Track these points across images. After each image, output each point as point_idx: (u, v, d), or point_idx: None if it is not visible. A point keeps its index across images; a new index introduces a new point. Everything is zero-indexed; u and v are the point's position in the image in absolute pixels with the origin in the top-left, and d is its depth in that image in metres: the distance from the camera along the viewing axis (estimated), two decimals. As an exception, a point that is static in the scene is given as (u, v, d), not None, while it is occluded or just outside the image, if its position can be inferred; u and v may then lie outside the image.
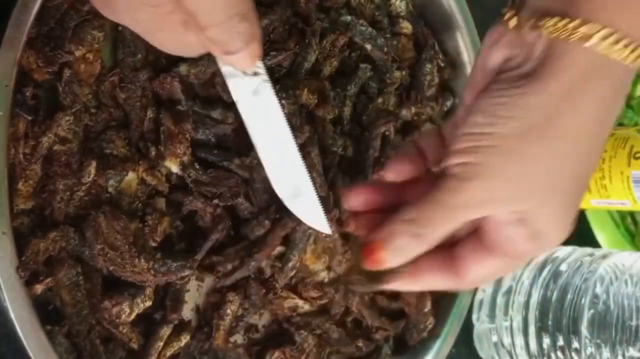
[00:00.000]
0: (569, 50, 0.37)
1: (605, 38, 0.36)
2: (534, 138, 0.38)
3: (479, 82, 0.40)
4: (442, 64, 0.67)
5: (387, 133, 0.62)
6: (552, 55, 0.38)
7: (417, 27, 0.66)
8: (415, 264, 0.41)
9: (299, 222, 0.55)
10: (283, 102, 0.55)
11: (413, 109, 0.64)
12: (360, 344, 0.61)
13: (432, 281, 0.43)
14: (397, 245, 0.40)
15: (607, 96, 0.38)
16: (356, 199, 0.45)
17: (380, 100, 0.62)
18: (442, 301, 0.66)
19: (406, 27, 0.65)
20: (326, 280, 0.59)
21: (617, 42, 0.36)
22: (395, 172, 0.45)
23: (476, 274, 0.42)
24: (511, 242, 0.40)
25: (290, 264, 0.56)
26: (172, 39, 0.41)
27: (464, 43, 0.67)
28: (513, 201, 0.39)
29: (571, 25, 0.37)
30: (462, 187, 0.39)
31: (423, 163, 0.45)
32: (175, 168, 0.51)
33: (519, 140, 0.38)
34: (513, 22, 0.40)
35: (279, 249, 0.56)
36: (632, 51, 0.36)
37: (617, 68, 0.37)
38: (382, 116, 0.61)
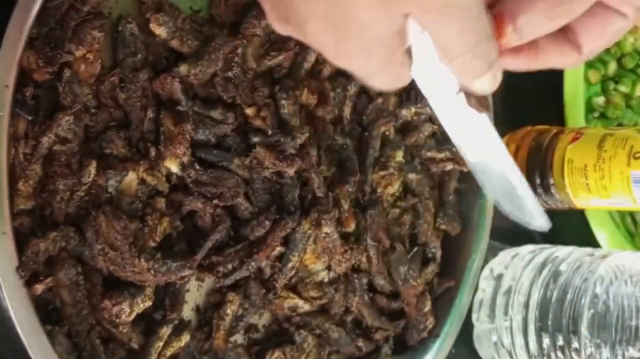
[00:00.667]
0: None
1: None
2: None
3: None
4: None
5: (387, 133, 0.62)
6: None
7: None
8: (534, 43, 0.38)
9: (299, 222, 0.56)
10: (283, 102, 0.55)
11: (413, 109, 0.64)
12: (360, 344, 0.61)
13: (552, 61, 0.40)
14: (532, 28, 0.37)
15: None
16: None
17: (380, 100, 0.62)
18: (442, 301, 0.66)
19: None
20: (326, 280, 0.59)
21: None
22: None
23: (596, 42, 0.39)
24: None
25: (290, 265, 0.56)
26: (389, 79, 0.38)
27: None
28: None
29: None
30: None
31: None
32: (175, 168, 0.51)
33: None
34: None
35: (279, 249, 0.56)
36: None
37: None
38: (382, 115, 0.61)
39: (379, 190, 0.62)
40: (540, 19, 0.36)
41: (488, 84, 0.37)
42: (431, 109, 0.42)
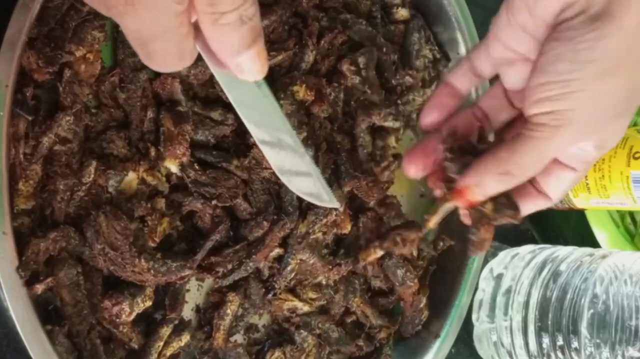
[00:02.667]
0: None
1: None
2: (614, 74, 0.41)
3: (533, 33, 0.43)
4: (437, 56, 0.67)
5: (374, 125, 0.62)
6: None
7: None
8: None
9: (297, 224, 0.56)
10: (281, 102, 0.55)
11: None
12: (360, 343, 0.61)
13: (529, 209, 0.47)
14: (488, 189, 0.44)
15: None
16: (414, 168, 0.48)
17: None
18: (442, 301, 0.66)
19: (402, 14, 0.65)
20: (324, 282, 0.59)
21: None
22: (428, 119, 0.48)
23: (557, 191, 0.47)
24: (583, 158, 0.45)
25: (289, 268, 0.56)
26: (175, 48, 0.37)
27: (461, 36, 0.67)
28: (597, 134, 0.43)
29: None
30: (558, 134, 0.42)
31: (455, 101, 0.48)
32: (174, 168, 0.51)
33: (601, 80, 0.41)
34: None
35: (277, 251, 0.56)
36: None
37: None
38: (362, 111, 0.61)
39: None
40: (496, 186, 0.44)
41: (253, 63, 0.37)
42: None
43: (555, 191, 0.47)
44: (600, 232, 0.73)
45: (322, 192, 0.51)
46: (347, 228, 0.59)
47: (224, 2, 0.34)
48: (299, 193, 0.50)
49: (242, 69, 0.37)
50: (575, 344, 0.60)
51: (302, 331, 0.58)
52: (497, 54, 0.45)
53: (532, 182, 0.46)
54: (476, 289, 0.68)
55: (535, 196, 0.47)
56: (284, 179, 0.48)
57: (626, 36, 0.40)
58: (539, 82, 0.41)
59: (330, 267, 0.58)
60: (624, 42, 0.40)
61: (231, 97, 0.43)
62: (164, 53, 0.36)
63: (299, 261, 0.56)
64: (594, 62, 0.40)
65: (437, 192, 0.47)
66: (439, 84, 0.49)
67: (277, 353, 0.56)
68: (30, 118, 0.46)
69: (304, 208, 0.57)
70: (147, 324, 0.52)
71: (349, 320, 0.61)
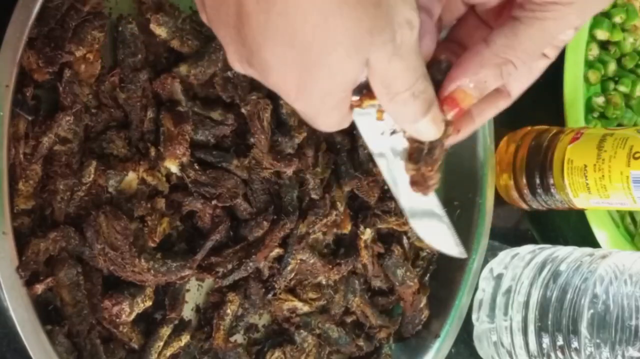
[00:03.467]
0: None
1: None
2: None
3: None
4: None
5: None
6: None
7: None
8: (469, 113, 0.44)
9: (297, 224, 0.56)
10: (281, 102, 0.55)
11: None
12: (360, 343, 0.61)
13: (488, 113, 0.45)
14: (488, 84, 0.41)
15: None
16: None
17: None
18: (442, 301, 0.66)
19: None
20: (324, 282, 0.59)
21: None
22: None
23: (520, 86, 0.44)
24: (559, 39, 0.41)
25: (289, 268, 0.56)
26: (336, 121, 0.39)
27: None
28: (590, 12, 0.41)
29: None
30: (570, 11, 0.39)
31: None
32: (174, 168, 0.51)
33: None
34: None
35: (277, 251, 0.56)
36: None
37: None
38: None
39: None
40: (494, 80, 0.41)
41: (429, 128, 0.39)
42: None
43: (520, 86, 0.44)
44: (600, 232, 0.73)
45: (454, 245, 0.50)
46: (347, 228, 0.59)
47: (397, 84, 0.36)
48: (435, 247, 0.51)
49: (420, 133, 0.40)
50: (575, 344, 0.61)
51: (302, 331, 0.58)
52: None
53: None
54: (476, 289, 0.68)
55: (495, 97, 0.44)
56: (424, 237, 0.49)
57: None
58: None
59: (331, 267, 0.58)
60: None
61: (389, 179, 0.45)
62: (326, 123, 0.39)
63: (298, 261, 0.56)
64: None
65: None
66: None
67: (277, 353, 0.56)
68: (30, 118, 0.46)
69: (304, 208, 0.57)
70: (147, 324, 0.52)
71: (349, 320, 0.61)
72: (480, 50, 0.40)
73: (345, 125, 0.40)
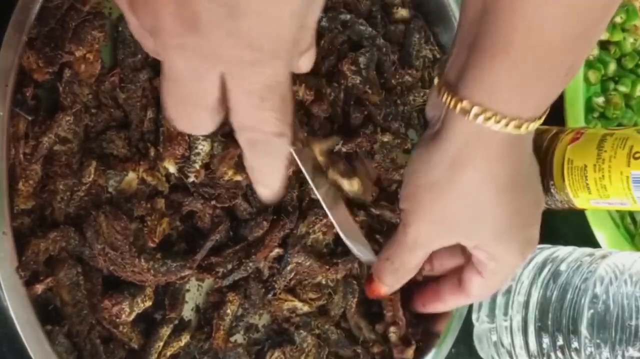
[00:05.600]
0: (458, 119, 0.44)
1: (477, 114, 0.43)
2: (440, 190, 0.47)
3: None
4: (437, 56, 0.67)
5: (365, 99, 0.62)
6: (448, 120, 0.45)
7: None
8: (437, 289, 0.57)
9: (297, 224, 0.56)
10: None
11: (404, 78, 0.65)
12: (358, 350, 0.60)
13: (451, 302, 0.57)
14: (386, 281, 0.55)
15: (492, 158, 0.45)
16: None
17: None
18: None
19: (402, 14, 0.65)
20: (324, 281, 0.59)
21: (488, 118, 0.43)
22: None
23: (476, 291, 0.54)
24: (481, 264, 0.51)
25: (289, 268, 0.56)
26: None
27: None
28: (446, 238, 0.50)
29: (454, 100, 0.44)
30: (406, 230, 0.50)
31: None
32: (172, 169, 0.51)
33: (430, 191, 0.47)
34: (435, 84, 0.47)
35: (277, 251, 0.56)
36: (502, 123, 0.43)
37: (496, 136, 0.44)
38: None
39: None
40: (391, 278, 0.56)
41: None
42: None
43: (470, 291, 0.54)
44: (600, 232, 0.74)
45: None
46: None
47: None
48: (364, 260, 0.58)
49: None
50: (575, 344, 0.60)
51: (301, 331, 0.58)
52: None
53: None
54: (476, 289, 0.68)
55: (458, 292, 0.55)
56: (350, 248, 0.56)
57: (448, 159, 0.45)
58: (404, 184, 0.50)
59: (327, 267, 0.58)
60: (446, 164, 0.46)
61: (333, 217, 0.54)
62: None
63: (295, 264, 0.56)
64: (421, 173, 0.47)
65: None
66: None
67: (277, 353, 0.56)
68: (30, 118, 0.46)
69: (304, 208, 0.57)
70: (147, 324, 0.52)
71: (346, 327, 0.61)
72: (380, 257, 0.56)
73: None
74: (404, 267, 0.53)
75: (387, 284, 0.55)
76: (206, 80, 0.33)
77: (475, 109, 0.43)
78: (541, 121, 0.45)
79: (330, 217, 0.53)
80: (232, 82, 0.33)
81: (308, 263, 0.57)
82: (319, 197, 0.53)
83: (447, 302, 0.57)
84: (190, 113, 0.36)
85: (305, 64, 0.39)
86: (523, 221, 0.49)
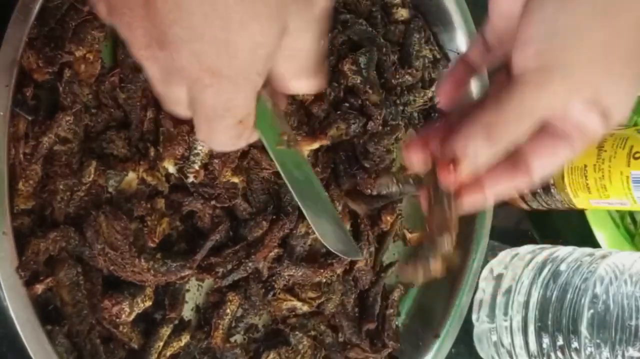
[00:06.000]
0: None
1: None
2: (601, 18, 0.37)
3: None
4: (437, 56, 0.67)
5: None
6: None
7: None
8: (483, 175, 0.41)
9: (297, 224, 0.56)
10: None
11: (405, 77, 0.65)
12: (351, 356, 0.61)
13: (502, 185, 0.42)
14: (473, 150, 0.39)
15: None
16: (416, 157, 0.43)
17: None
18: (442, 301, 0.66)
19: (402, 14, 0.65)
20: (323, 280, 0.59)
21: None
22: (445, 95, 0.45)
23: (545, 166, 0.41)
24: (583, 126, 0.39)
25: (282, 282, 0.56)
26: (233, 127, 0.38)
27: (461, 36, 0.67)
28: (590, 86, 0.38)
29: None
30: (545, 82, 0.38)
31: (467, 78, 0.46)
32: (172, 169, 0.51)
33: (593, 21, 0.37)
34: None
35: (277, 251, 0.56)
36: None
37: None
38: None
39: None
40: (481, 144, 0.39)
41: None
42: None
43: (542, 167, 0.41)
44: (600, 232, 0.74)
45: (350, 246, 0.51)
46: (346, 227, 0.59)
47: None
48: (331, 247, 0.50)
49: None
50: (575, 344, 0.61)
51: (297, 332, 0.58)
52: (497, 21, 0.42)
53: (517, 157, 0.41)
54: (476, 289, 0.68)
55: (511, 170, 0.42)
56: (321, 238, 0.48)
57: None
58: (524, 25, 0.38)
59: (322, 271, 0.57)
60: None
61: (286, 177, 0.44)
62: (225, 132, 0.37)
63: (287, 276, 0.56)
64: (580, 4, 0.37)
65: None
66: (457, 61, 0.47)
67: (273, 355, 0.56)
68: (30, 118, 0.46)
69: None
70: (147, 324, 0.52)
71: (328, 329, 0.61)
72: (471, 119, 0.39)
73: (241, 142, 0.39)
74: (505, 136, 0.39)
75: (476, 157, 0.40)
76: (175, 89, 0.36)
77: None
78: None
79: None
80: (194, 95, 0.36)
81: (300, 273, 0.57)
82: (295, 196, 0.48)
83: (494, 188, 0.43)
84: (170, 107, 0.38)
85: (300, 87, 0.39)
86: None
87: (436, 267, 0.42)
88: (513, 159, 0.41)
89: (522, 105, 0.38)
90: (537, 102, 0.38)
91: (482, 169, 0.40)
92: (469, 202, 0.42)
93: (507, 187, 0.42)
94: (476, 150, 0.39)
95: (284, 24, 0.34)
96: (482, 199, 0.43)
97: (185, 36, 0.33)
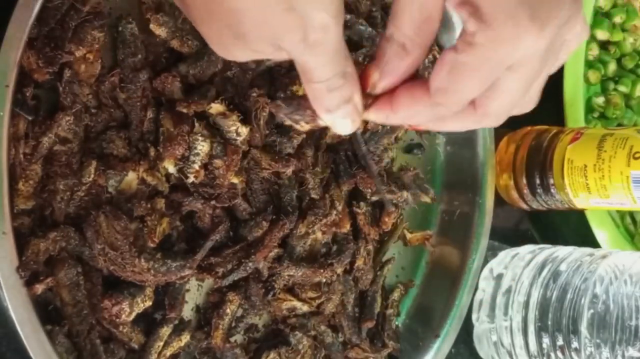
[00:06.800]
0: None
1: None
2: None
3: None
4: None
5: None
6: None
7: None
8: (394, 92, 0.40)
9: (296, 224, 0.56)
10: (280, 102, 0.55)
11: None
12: (351, 355, 0.61)
13: (411, 107, 0.40)
14: (385, 61, 0.41)
15: None
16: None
17: None
18: (442, 301, 0.66)
19: None
20: (324, 280, 0.59)
21: None
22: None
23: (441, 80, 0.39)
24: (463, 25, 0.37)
25: (282, 282, 0.56)
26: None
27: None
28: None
29: None
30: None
31: None
32: (172, 169, 0.51)
33: None
34: None
35: (277, 251, 0.56)
36: None
37: None
38: None
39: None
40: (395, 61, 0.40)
41: (341, 122, 0.40)
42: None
43: (492, 103, 0.39)
44: (600, 232, 0.74)
45: None
46: (346, 227, 0.59)
47: (312, 75, 0.38)
48: None
49: (333, 125, 0.41)
50: (575, 344, 0.61)
51: (297, 332, 0.58)
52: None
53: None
54: (476, 289, 0.68)
55: (413, 88, 0.40)
56: None
57: None
58: None
59: (322, 271, 0.57)
60: None
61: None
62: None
63: (287, 277, 0.56)
64: None
65: None
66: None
67: (272, 355, 0.56)
68: (30, 118, 0.46)
69: (304, 208, 0.57)
70: (147, 324, 0.52)
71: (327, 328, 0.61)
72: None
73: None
74: (414, 43, 0.40)
75: (385, 71, 0.41)
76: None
77: None
78: None
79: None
80: None
81: (300, 273, 0.57)
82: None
83: (404, 109, 0.40)
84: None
85: None
86: None
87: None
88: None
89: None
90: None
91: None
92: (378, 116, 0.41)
93: (409, 106, 0.40)
94: (388, 62, 0.41)
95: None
96: (391, 116, 0.41)
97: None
